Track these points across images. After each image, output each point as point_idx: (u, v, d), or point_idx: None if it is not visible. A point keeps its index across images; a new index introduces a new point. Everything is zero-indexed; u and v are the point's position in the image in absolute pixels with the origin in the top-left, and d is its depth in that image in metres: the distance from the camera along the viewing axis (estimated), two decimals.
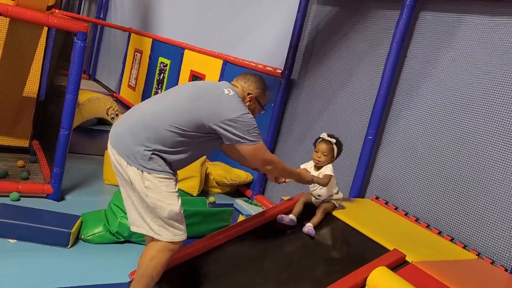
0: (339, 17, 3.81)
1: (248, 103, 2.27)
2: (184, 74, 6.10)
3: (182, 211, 2.15)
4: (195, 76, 5.84)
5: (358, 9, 3.64)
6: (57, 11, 4.97)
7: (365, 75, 3.52)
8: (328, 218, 2.80)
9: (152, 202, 2.06)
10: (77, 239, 2.94)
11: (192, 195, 4.08)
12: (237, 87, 2.29)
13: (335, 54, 3.80)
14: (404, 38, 3.12)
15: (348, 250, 2.54)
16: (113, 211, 3.08)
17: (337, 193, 2.75)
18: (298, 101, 4.19)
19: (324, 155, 2.62)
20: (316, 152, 2.66)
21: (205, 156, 4.40)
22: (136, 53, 7.85)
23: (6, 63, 3.39)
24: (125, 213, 2.95)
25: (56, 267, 2.57)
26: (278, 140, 4.40)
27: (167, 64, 6.65)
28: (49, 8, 3.16)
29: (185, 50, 6.17)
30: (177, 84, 6.23)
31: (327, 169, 2.61)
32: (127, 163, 2.05)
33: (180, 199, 2.16)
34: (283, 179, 2.57)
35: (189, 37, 6.16)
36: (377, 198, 3.18)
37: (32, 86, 3.86)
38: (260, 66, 4.58)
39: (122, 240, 3.03)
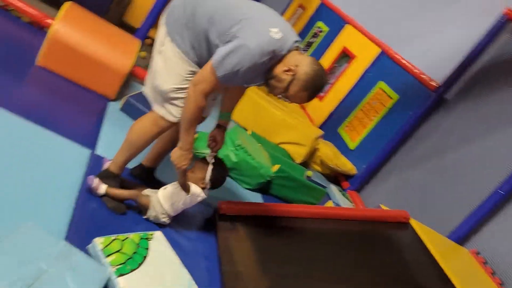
0: None
1: (285, 69, 1.92)
2: (336, 47, 6.01)
3: (174, 94, 2.03)
4: (345, 54, 5.74)
5: None
6: None
7: None
8: (418, 246, 2.69)
9: (154, 66, 2.06)
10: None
11: (295, 161, 4.13)
12: (297, 54, 1.94)
13: (506, 95, 3.48)
14: None
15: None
16: (225, 141, 3.23)
17: (163, 213, 2.23)
18: (440, 122, 3.95)
19: (192, 172, 2.23)
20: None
21: (322, 132, 4.40)
22: (298, 8, 7.87)
23: None
24: (235, 149, 3.11)
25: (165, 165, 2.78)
26: (397, 151, 4.23)
27: (323, 31, 6.60)
28: None
29: (347, 24, 6.05)
30: (324, 53, 6.19)
31: (192, 186, 2.20)
32: (164, 21, 2.05)
33: (180, 83, 2.01)
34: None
35: (357, 13, 6.01)
36: (478, 253, 2.96)
37: None
38: (416, 71, 4.36)
39: None
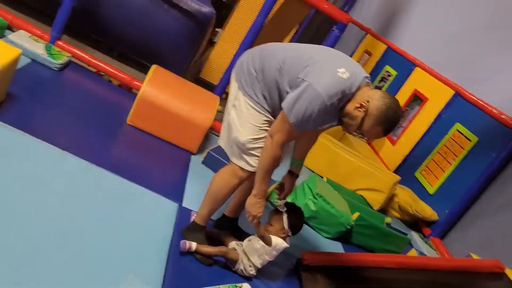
0: None
1: (357, 106, 1.92)
2: (406, 90, 5.95)
3: (251, 145, 2.07)
4: (417, 97, 5.65)
5: None
6: None
7: None
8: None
9: (229, 120, 2.12)
10: (266, 199, 3.21)
11: (373, 208, 4.05)
12: (368, 90, 1.94)
13: None
14: None
15: None
16: (304, 190, 3.26)
17: (250, 266, 2.27)
18: None
19: (271, 224, 2.24)
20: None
21: (399, 178, 4.29)
22: (364, 54, 7.93)
23: (269, 29, 3.79)
24: (314, 198, 3.12)
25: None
26: (481, 196, 4.01)
27: (391, 75, 6.57)
28: None
29: (417, 67, 5.99)
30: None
31: (274, 238, 2.21)
32: (234, 77, 2.14)
33: (256, 134, 2.07)
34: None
35: (425, 56, 5.95)
36: None
37: None
38: (495, 111, 4.19)
39: None
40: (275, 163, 2.03)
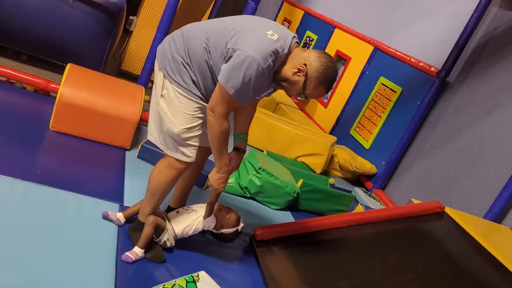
0: None
1: (294, 71, 1.92)
2: (329, 52, 6.07)
3: (186, 134, 2.02)
4: (340, 57, 5.79)
5: None
6: None
7: None
8: (459, 233, 2.67)
9: (159, 111, 2.03)
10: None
11: (315, 172, 4.14)
12: (301, 52, 1.95)
13: (506, 66, 3.49)
14: None
15: (476, 272, 2.41)
16: (246, 167, 3.25)
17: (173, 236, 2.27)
18: (448, 106, 3.96)
19: (227, 212, 2.35)
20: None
21: (335, 138, 4.41)
22: (284, 22, 7.97)
23: (185, 9, 3.68)
24: (257, 172, 3.12)
25: (191, 202, 2.80)
26: (413, 142, 4.23)
27: (313, 39, 6.67)
28: None
29: (336, 29, 6.12)
30: None
31: (212, 218, 2.25)
32: (158, 67, 2.04)
33: (190, 122, 2.01)
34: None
35: (342, 16, 6.08)
36: None
37: None
38: (414, 60, 4.39)
39: (248, 195, 3.21)
40: (226, 136, 1.98)
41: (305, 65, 1.91)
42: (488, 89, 3.62)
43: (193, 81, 1.99)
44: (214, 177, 2.09)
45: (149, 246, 2.18)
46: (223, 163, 2.06)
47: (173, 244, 2.25)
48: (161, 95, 2.02)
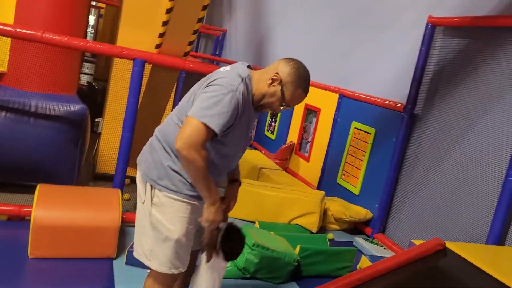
0: (470, 49, 3.58)
1: (269, 83, 1.91)
2: (298, 108, 6.16)
3: (184, 239, 1.95)
4: (310, 110, 5.87)
5: (493, 40, 3.39)
6: None
7: (504, 111, 3.24)
8: (464, 267, 2.56)
9: (152, 222, 1.94)
10: None
11: (311, 232, 4.04)
12: (264, 69, 1.98)
13: (466, 88, 3.57)
14: None
15: None
16: None
17: None
18: (423, 137, 3.98)
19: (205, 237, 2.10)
20: None
21: (323, 192, 4.35)
22: None
23: (146, 104, 3.71)
24: (252, 249, 3.02)
25: None
26: (399, 179, 4.20)
27: None
28: (185, 54, 3.42)
29: None
30: (290, 120, 6.32)
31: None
32: (143, 179, 1.97)
33: (188, 228, 1.94)
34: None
35: None
36: None
37: None
38: (379, 100, 4.46)
39: (248, 276, 3.08)
40: (206, 166, 1.82)
41: (277, 73, 1.91)
42: (456, 113, 3.66)
43: (183, 182, 1.92)
44: (210, 211, 1.91)
45: None
46: (213, 194, 1.89)
47: None
48: (152, 204, 1.94)
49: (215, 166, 1.96)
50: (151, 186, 1.95)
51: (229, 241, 2.01)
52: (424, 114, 4.00)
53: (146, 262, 2.00)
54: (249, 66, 2.00)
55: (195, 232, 2.05)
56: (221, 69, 1.94)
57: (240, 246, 2.10)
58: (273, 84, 1.91)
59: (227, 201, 2.17)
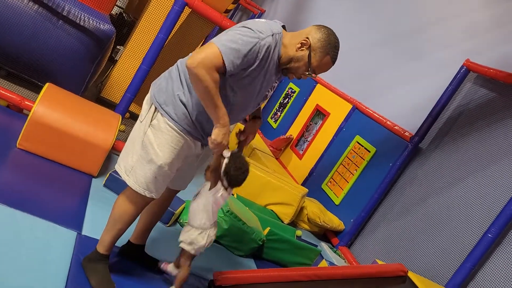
0: (494, 104, 3.62)
1: (298, 47, 1.90)
2: (309, 106, 6.20)
3: (166, 168, 1.97)
4: (319, 111, 5.91)
5: None
6: None
7: (505, 171, 3.30)
8: None
9: (144, 141, 1.96)
10: (176, 221, 3.08)
11: (283, 222, 4.10)
12: (295, 32, 1.96)
13: (476, 139, 3.62)
14: None
15: None
16: None
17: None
18: (419, 170, 4.04)
19: (208, 166, 2.08)
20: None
21: (307, 190, 4.40)
22: None
23: (171, 46, 3.72)
24: (225, 215, 3.07)
25: (154, 239, 2.70)
26: (382, 202, 4.26)
27: (295, 91, 6.82)
28: (226, 11, 3.42)
29: (318, 84, 6.28)
30: (297, 115, 6.35)
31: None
32: (151, 100, 1.99)
33: (174, 159, 1.97)
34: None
35: (325, 73, 6.26)
36: None
37: None
38: (389, 123, 4.51)
39: None
40: (217, 87, 1.80)
41: (307, 38, 1.89)
42: (457, 159, 3.72)
43: (186, 116, 1.95)
44: (217, 132, 1.88)
45: (104, 279, 2.07)
46: (222, 114, 1.86)
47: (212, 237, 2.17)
48: (150, 125, 1.97)
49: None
50: (155, 108, 1.98)
51: (234, 168, 2.02)
52: (428, 150, 4.05)
53: (124, 177, 2.04)
54: (283, 27, 2.00)
55: (177, 171, 2.08)
56: (257, 19, 1.93)
57: (244, 174, 2.08)
58: (301, 49, 1.90)
59: (245, 134, 2.19)
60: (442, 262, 3.37)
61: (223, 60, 1.77)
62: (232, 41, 1.78)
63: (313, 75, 1.96)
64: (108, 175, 2.96)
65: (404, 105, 4.60)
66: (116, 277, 2.16)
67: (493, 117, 3.59)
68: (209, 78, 1.76)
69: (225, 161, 2.00)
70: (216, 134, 1.90)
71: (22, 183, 2.56)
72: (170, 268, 2.28)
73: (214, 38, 1.82)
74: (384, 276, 2.75)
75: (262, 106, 2.26)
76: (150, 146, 1.97)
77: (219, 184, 2.07)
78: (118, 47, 4.61)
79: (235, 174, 2.03)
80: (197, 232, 2.12)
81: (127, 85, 3.51)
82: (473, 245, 3.13)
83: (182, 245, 2.15)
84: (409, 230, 3.81)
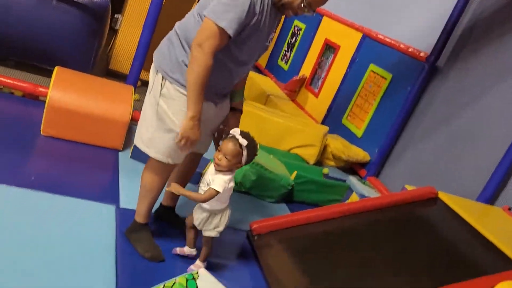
0: (509, 10, 3.48)
1: None
2: (318, 41, 6.07)
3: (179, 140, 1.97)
4: (329, 45, 5.79)
5: None
6: None
7: None
8: (452, 217, 2.69)
9: (159, 112, 1.99)
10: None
11: (308, 163, 4.16)
12: None
13: (495, 51, 3.51)
14: None
15: (471, 256, 2.44)
16: None
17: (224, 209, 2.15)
18: (439, 91, 3.98)
19: (226, 158, 1.95)
20: (218, 151, 1.99)
21: (327, 128, 4.42)
22: None
23: (169, 7, 3.65)
24: (251, 167, 3.13)
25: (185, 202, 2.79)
26: (404, 128, 4.25)
27: (301, 28, 6.66)
28: None
29: (324, 17, 6.11)
30: (307, 53, 6.23)
31: (216, 182, 1.97)
32: (156, 69, 2.01)
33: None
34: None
35: (330, 4, 6.05)
36: (510, 209, 2.98)
37: None
38: (402, 46, 4.40)
39: (243, 190, 3.21)
40: (208, 74, 1.87)
41: None
42: (477, 72, 3.64)
43: None
44: (188, 125, 1.92)
45: (149, 245, 2.19)
46: (198, 109, 1.91)
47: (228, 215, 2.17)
48: (161, 95, 1.99)
49: (229, 70, 2.01)
50: (163, 77, 1.99)
51: (254, 152, 2.04)
52: (445, 68, 3.97)
53: (144, 149, 2.09)
54: None
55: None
56: None
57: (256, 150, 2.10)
58: None
59: (229, 127, 2.17)
60: (471, 177, 3.39)
61: (227, 34, 1.81)
62: (228, 11, 1.78)
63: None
64: (132, 147, 3.03)
65: (416, 25, 4.46)
66: (159, 241, 2.27)
67: (510, 25, 3.45)
68: (204, 64, 1.82)
69: (245, 152, 1.98)
70: (187, 129, 1.92)
71: (55, 168, 2.66)
72: (187, 250, 2.26)
73: (210, 12, 1.81)
74: (415, 201, 2.82)
75: (243, 85, 2.28)
76: (165, 115, 1.99)
77: (232, 172, 2.03)
78: (116, 15, 4.54)
79: (254, 154, 2.05)
80: (218, 217, 2.13)
81: (133, 53, 3.50)
82: (501, 156, 3.13)
83: (207, 233, 2.14)
84: (435, 151, 3.82)
